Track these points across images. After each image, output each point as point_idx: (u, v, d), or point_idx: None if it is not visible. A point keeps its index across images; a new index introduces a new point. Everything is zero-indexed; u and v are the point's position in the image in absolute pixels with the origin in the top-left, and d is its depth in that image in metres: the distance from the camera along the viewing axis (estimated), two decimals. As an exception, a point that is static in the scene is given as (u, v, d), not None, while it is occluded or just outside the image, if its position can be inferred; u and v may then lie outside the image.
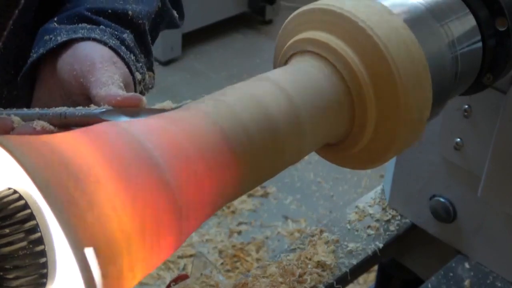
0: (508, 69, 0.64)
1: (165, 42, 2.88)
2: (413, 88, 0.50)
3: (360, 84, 0.50)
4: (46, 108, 0.50)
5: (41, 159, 0.34)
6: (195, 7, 2.88)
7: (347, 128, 0.52)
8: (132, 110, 0.48)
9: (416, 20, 0.56)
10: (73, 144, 0.36)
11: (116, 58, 0.55)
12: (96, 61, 0.54)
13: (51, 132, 0.48)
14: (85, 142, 0.37)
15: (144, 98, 0.49)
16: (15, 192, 0.36)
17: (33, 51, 0.58)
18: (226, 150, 0.43)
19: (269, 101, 0.46)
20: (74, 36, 0.56)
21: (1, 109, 0.52)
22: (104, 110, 0.47)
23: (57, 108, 0.49)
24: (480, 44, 0.61)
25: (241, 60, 3.06)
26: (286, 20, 0.55)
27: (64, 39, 0.56)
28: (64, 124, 0.49)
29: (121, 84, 0.52)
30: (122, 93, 0.49)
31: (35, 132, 0.48)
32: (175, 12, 0.72)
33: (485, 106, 0.74)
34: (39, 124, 0.48)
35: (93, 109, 0.48)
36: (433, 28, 0.57)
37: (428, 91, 0.51)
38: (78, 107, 0.49)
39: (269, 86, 0.48)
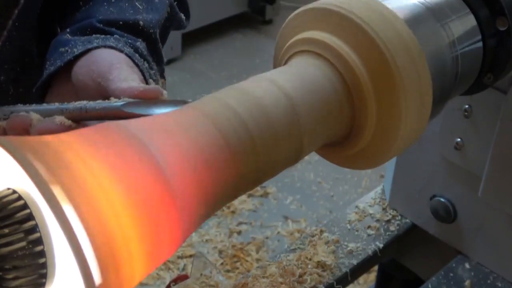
0: (508, 69, 0.63)
1: (165, 42, 2.88)
2: (413, 87, 0.49)
3: (360, 84, 0.49)
4: (65, 103, 0.50)
5: (41, 159, 0.34)
6: (195, 7, 2.88)
7: (347, 128, 0.52)
8: (152, 102, 0.47)
9: (416, 20, 0.56)
10: (73, 144, 0.36)
11: (132, 64, 0.56)
12: (114, 62, 0.54)
13: (69, 127, 0.48)
14: (85, 142, 0.37)
15: (164, 91, 0.49)
16: (14, 192, 0.36)
17: (48, 63, 0.58)
18: (226, 150, 0.43)
19: (269, 100, 0.46)
20: (89, 46, 0.56)
21: (21, 105, 0.52)
22: (124, 102, 0.47)
23: (76, 102, 0.49)
24: (480, 44, 0.61)
25: (241, 60, 3.06)
26: (286, 20, 0.55)
27: (81, 50, 0.56)
28: (84, 118, 0.49)
29: (139, 81, 0.52)
30: (143, 85, 0.50)
31: (54, 127, 0.48)
32: (182, 15, 0.72)
33: (485, 106, 0.74)
34: (57, 119, 0.48)
35: (113, 101, 0.48)
36: (433, 27, 0.57)
37: (428, 91, 0.51)
38: (98, 101, 0.49)
39: (268, 86, 0.48)
